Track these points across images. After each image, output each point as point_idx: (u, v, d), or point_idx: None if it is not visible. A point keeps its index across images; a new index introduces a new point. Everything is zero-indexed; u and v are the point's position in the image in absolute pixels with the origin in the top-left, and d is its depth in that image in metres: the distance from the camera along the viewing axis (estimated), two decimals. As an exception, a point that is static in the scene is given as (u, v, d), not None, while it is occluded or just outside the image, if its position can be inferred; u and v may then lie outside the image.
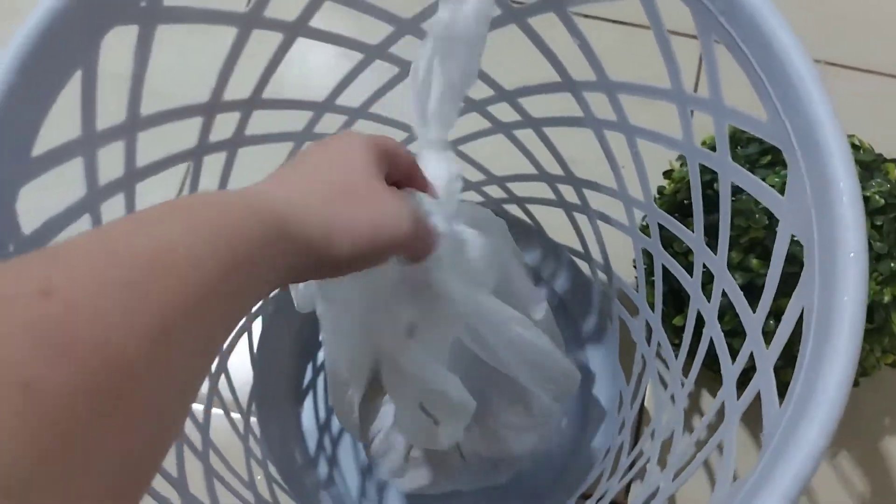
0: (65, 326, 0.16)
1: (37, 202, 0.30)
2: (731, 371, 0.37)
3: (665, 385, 0.52)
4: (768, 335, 0.32)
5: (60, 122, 0.31)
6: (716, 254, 0.39)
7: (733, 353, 0.37)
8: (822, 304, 0.26)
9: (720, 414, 0.37)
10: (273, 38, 0.42)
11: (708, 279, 0.41)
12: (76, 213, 0.34)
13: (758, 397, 0.30)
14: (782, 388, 0.28)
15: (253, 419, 0.55)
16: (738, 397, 0.34)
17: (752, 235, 0.48)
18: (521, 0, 0.42)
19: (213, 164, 0.44)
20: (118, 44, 0.33)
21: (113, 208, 0.36)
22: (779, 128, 0.29)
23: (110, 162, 0.36)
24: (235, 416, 0.52)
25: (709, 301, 0.40)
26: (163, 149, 0.40)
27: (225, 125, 0.44)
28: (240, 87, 0.43)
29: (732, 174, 0.36)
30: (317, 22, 0.42)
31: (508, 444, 0.50)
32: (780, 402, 0.27)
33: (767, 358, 0.31)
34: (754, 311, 0.34)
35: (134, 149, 0.37)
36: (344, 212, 0.28)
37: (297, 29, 0.42)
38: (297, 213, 0.27)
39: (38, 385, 0.15)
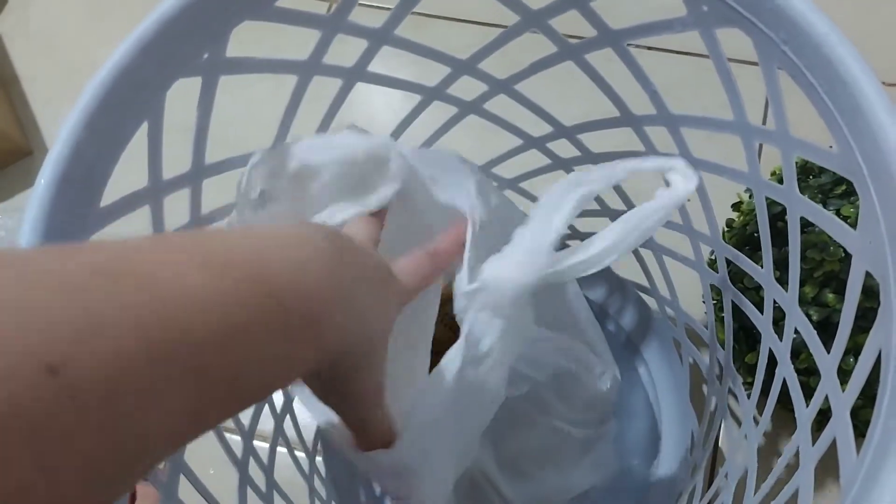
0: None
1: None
2: (804, 414, 0.35)
3: (738, 425, 0.50)
4: (848, 374, 0.30)
5: (126, 169, 0.32)
6: (787, 290, 0.37)
7: (811, 393, 0.35)
8: (900, 346, 0.24)
9: (798, 455, 0.35)
10: (334, 82, 0.43)
11: (780, 316, 0.39)
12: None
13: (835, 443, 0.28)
14: (864, 429, 0.26)
15: (318, 458, 0.55)
16: (814, 442, 0.32)
17: (828, 269, 0.45)
18: (578, 35, 0.42)
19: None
20: (183, 94, 0.34)
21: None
22: (849, 158, 0.28)
23: (174, 207, 0.37)
24: (300, 454, 0.53)
25: (781, 339, 0.38)
26: (228, 194, 0.41)
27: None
28: (303, 130, 0.44)
29: (801, 207, 0.34)
30: (377, 65, 0.43)
31: (545, 486, 0.49)
32: (858, 450, 0.25)
33: (843, 402, 0.29)
34: (829, 351, 0.32)
35: (199, 195, 0.38)
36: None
37: (355, 75, 0.43)
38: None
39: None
